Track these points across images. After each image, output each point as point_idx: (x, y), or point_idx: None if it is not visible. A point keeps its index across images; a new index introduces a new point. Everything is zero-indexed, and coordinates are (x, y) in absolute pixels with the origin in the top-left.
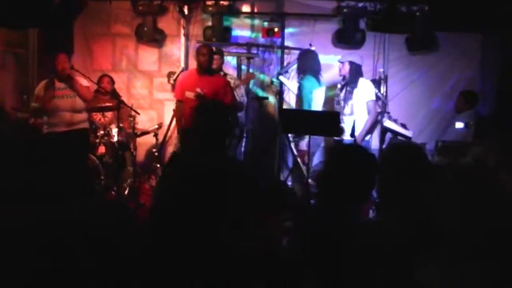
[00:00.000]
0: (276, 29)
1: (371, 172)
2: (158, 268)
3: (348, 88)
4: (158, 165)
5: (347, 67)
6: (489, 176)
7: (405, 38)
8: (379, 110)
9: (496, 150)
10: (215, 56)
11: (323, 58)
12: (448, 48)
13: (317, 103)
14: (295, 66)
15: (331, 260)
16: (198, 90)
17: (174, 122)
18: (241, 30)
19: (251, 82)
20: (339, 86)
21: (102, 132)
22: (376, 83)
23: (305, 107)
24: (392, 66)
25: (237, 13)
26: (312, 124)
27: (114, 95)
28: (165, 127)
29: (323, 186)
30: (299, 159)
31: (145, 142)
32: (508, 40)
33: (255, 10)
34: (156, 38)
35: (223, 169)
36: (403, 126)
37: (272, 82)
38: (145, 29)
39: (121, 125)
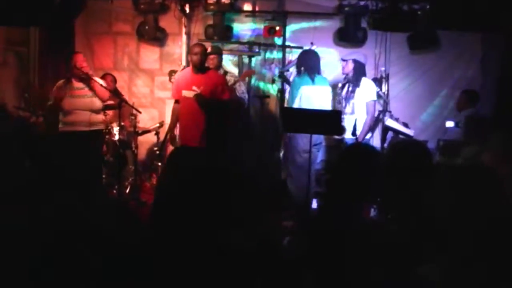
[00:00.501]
0: (277, 28)
1: (377, 168)
2: (159, 266)
3: (350, 87)
4: (160, 164)
5: (350, 65)
6: (486, 175)
7: (406, 36)
8: (380, 109)
9: (493, 148)
10: (212, 56)
11: (324, 57)
12: (449, 47)
13: (307, 99)
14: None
15: (334, 259)
16: (194, 88)
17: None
18: (243, 28)
19: (253, 80)
20: (340, 85)
21: (103, 130)
22: (378, 81)
23: (289, 103)
24: (393, 65)
25: (239, 11)
26: (313, 122)
27: (116, 93)
28: (166, 126)
29: (330, 184)
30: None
31: (147, 141)
32: (509, 39)
33: (257, 9)
34: (158, 37)
35: (224, 168)
36: (405, 125)
37: (273, 80)
38: (147, 27)
39: (122, 123)
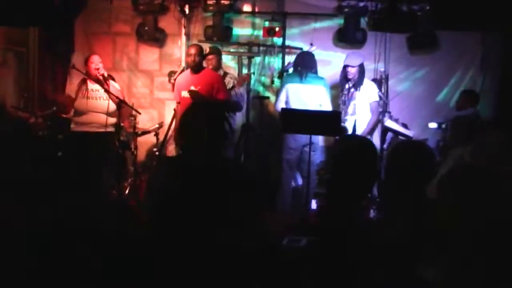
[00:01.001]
0: (277, 29)
1: (375, 162)
2: (158, 266)
3: (352, 89)
4: None
5: (356, 70)
6: (486, 175)
7: (406, 37)
8: (380, 109)
9: (488, 148)
10: (210, 56)
11: (324, 57)
12: (449, 47)
13: (295, 97)
14: None
15: (334, 259)
16: (192, 88)
17: (174, 122)
18: (242, 29)
19: (252, 81)
20: (347, 86)
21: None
22: (377, 82)
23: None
24: (393, 65)
25: (238, 12)
26: (312, 123)
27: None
28: (165, 127)
29: (331, 181)
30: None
31: (146, 142)
32: (509, 38)
33: (256, 10)
34: (157, 37)
35: (224, 168)
36: (404, 126)
37: (273, 81)
38: (146, 28)
39: (121, 124)
